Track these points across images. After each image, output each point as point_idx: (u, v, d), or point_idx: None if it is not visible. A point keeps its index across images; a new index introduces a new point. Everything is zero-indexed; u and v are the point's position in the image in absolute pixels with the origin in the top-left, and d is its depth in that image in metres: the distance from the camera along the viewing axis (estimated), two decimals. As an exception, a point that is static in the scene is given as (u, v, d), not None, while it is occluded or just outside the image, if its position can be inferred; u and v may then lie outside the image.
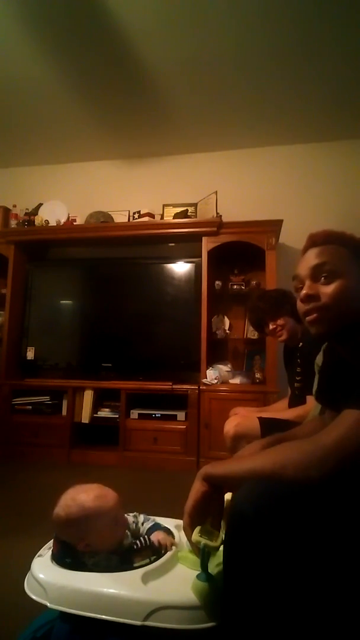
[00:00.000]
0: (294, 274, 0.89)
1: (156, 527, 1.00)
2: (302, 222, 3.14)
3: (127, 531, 0.98)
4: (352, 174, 3.23)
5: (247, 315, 2.97)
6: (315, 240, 0.87)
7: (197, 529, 0.79)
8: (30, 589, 0.84)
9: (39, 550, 0.94)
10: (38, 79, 2.63)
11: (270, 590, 0.67)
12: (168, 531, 0.99)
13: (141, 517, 1.04)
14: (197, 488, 0.82)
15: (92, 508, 0.91)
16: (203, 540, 0.77)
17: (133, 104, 2.87)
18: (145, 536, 0.95)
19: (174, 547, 0.91)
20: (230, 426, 1.79)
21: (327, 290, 0.81)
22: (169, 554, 0.87)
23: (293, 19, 2.13)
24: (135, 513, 1.04)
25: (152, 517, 1.05)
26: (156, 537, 0.95)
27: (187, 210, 3.17)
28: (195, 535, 0.78)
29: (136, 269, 3.23)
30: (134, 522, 1.02)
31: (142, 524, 1.02)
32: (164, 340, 3.07)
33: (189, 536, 0.81)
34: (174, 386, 2.86)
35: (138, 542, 0.94)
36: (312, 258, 0.85)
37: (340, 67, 2.47)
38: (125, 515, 1.01)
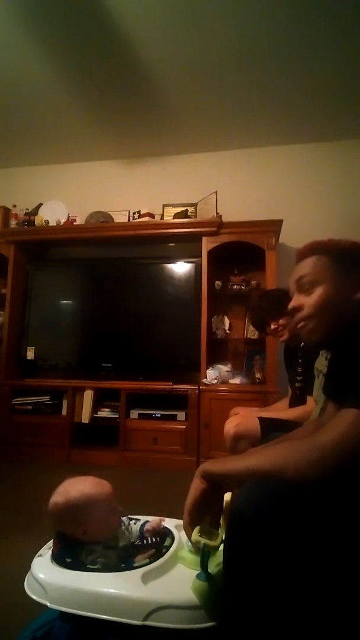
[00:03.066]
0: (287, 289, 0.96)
1: (144, 523, 1.02)
2: (302, 222, 3.15)
3: (125, 531, 0.99)
4: (352, 174, 3.23)
5: (248, 315, 2.97)
6: (300, 254, 0.92)
7: (197, 528, 0.79)
8: (30, 589, 0.84)
9: (39, 550, 0.94)
10: (38, 79, 2.63)
11: (270, 590, 0.67)
12: (165, 531, 0.99)
13: (133, 520, 1.04)
14: (196, 486, 0.82)
15: (91, 493, 0.93)
16: (203, 540, 0.77)
17: (133, 104, 2.87)
18: (149, 537, 0.97)
19: (172, 546, 0.91)
20: (230, 426, 1.79)
21: (309, 300, 0.85)
22: (169, 553, 0.87)
23: (293, 19, 2.13)
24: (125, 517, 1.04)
25: (138, 517, 1.06)
26: (148, 527, 0.98)
27: (187, 210, 3.16)
28: (195, 535, 0.78)
29: (136, 269, 3.23)
30: (127, 523, 1.03)
31: (135, 523, 1.03)
32: (164, 340, 3.07)
33: (189, 535, 0.81)
34: (174, 386, 2.86)
35: (139, 541, 0.95)
36: (295, 271, 0.91)
37: (341, 67, 2.47)
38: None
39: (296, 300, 0.88)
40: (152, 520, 1.01)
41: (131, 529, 1.02)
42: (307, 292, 0.86)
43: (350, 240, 0.89)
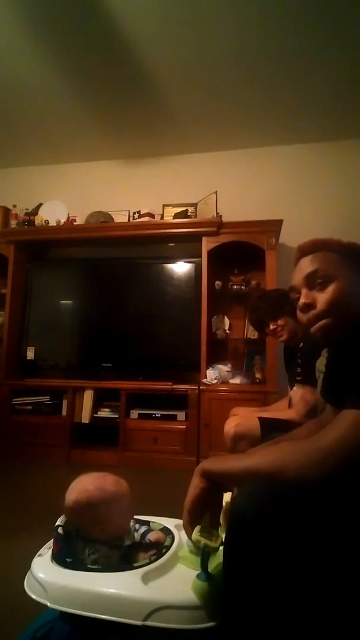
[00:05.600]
0: (290, 286, 0.90)
1: (149, 531, 1.01)
2: (302, 222, 3.15)
3: (132, 530, 0.99)
4: (352, 174, 3.23)
5: (248, 315, 2.97)
6: (304, 250, 0.88)
7: (197, 527, 0.79)
8: (30, 589, 0.84)
9: (39, 550, 0.94)
10: (38, 80, 2.63)
11: (270, 590, 0.67)
12: (165, 531, 0.99)
13: (136, 524, 1.04)
14: (195, 484, 0.81)
15: (113, 492, 0.93)
16: (203, 540, 0.77)
17: (133, 104, 2.87)
18: (149, 538, 0.97)
19: (172, 546, 0.91)
20: (230, 426, 1.79)
21: (324, 296, 0.82)
22: (169, 553, 0.88)
23: (293, 19, 2.13)
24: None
25: (145, 520, 1.05)
26: (150, 538, 0.97)
27: (187, 210, 3.16)
28: (195, 534, 0.78)
29: (136, 269, 3.23)
30: (132, 525, 1.03)
31: (137, 530, 1.03)
32: (164, 340, 3.07)
33: (188, 534, 0.81)
34: (174, 386, 2.85)
35: (143, 541, 0.96)
36: (304, 267, 0.86)
37: (340, 67, 2.47)
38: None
39: (308, 296, 0.83)
40: (156, 533, 1.00)
41: (134, 535, 1.01)
42: (320, 288, 0.82)
43: (349, 241, 0.89)
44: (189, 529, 0.81)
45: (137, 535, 1.00)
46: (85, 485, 0.95)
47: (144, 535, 1.00)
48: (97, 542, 0.92)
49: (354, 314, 0.80)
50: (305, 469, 0.69)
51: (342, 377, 0.84)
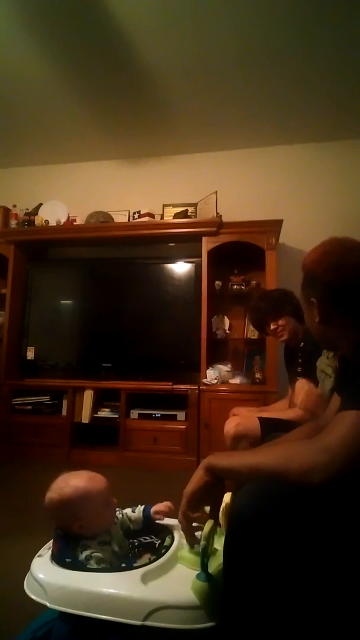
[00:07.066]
0: None
1: (149, 507, 1.04)
2: (302, 222, 3.15)
3: (119, 524, 1.00)
4: (352, 174, 3.23)
5: (248, 315, 2.96)
6: None
7: (209, 522, 0.80)
8: (30, 589, 0.84)
9: (39, 550, 0.94)
10: (38, 79, 2.63)
11: (270, 590, 0.67)
12: (165, 531, 1.00)
13: (127, 510, 1.06)
14: (199, 476, 0.82)
15: (84, 488, 0.95)
16: (203, 541, 0.77)
17: (133, 104, 2.87)
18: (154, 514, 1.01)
19: (172, 546, 0.91)
20: (230, 426, 1.79)
21: None
22: (168, 553, 0.88)
23: (293, 20, 2.13)
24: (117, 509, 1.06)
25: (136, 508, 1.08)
26: (155, 510, 1.02)
27: (187, 210, 3.16)
28: (205, 530, 0.78)
29: (136, 269, 3.22)
30: (122, 517, 1.04)
31: (134, 511, 1.05)
32: (164, 340, 3.07)
33: (182, 522, 0.83)
34: (174, 386, 2.85)
35: (136, 541, 0.97)
36: None
37: (340, 67, 2.47)
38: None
39: None
40: (158, 505, 1.03)
41: (130, 517, 1.04)
42: None
43: (310, 256, 0.92)
44: (184, 517, 0.83)
45: (136, 518, 1.03)
46: (58, 484, 0.97)
47: (146, 511, 1.02)
48: (84, 538, 0.93)
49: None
50: (310, 471, 0.69)
51: (348, 377, 0.84)
